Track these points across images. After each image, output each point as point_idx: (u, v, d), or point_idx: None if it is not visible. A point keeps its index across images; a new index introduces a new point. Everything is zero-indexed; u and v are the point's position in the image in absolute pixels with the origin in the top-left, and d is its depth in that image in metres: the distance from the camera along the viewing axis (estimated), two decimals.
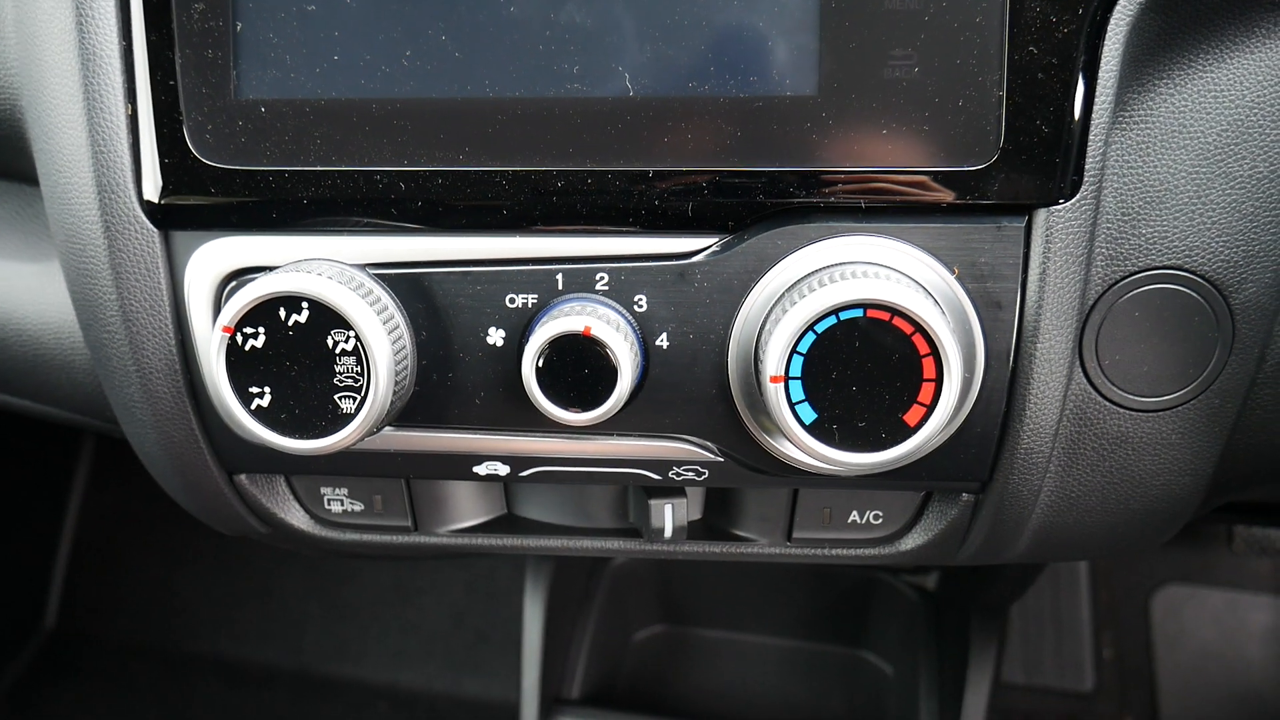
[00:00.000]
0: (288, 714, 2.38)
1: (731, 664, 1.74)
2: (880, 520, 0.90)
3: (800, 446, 0.74)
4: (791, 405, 0.73)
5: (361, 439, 0.77)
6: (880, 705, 1.65)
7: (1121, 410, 0.83)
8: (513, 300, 0.79)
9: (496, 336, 0.79)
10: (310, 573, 2.52)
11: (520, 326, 0.79)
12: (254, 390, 0.76)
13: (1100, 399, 0.82)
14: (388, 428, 0.83)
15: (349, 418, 0.76)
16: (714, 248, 0.77)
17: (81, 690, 2.43)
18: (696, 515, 0.94)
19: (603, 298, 0.78)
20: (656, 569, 1.70)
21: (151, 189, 0.79)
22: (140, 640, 2.49)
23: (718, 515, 0.94)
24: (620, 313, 0.77)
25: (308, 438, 0.76)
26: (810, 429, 0.74)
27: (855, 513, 0.89)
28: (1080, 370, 0.81)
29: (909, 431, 0.74)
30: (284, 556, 2.54)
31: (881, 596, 1.63)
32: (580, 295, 0.78)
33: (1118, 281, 0.79)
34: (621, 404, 0.76)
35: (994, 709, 2.23)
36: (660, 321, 0.78)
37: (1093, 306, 0.79)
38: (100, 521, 2.56)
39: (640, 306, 0.78)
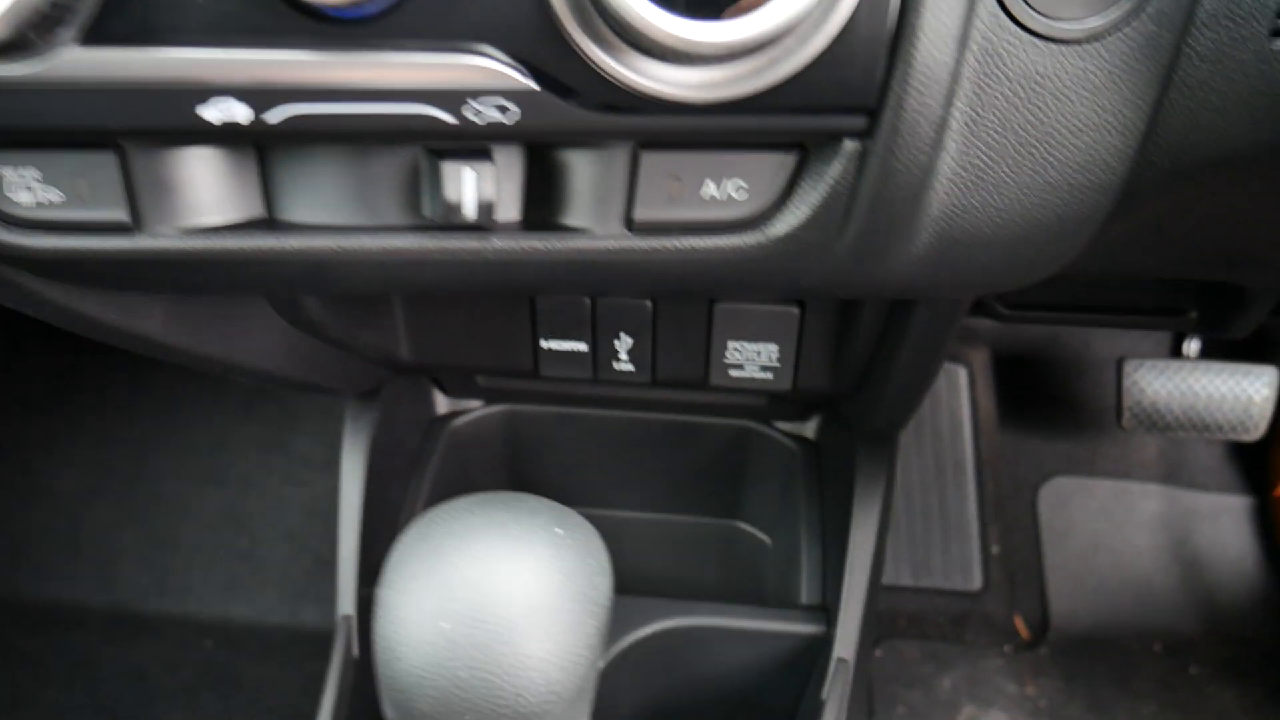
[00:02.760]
0: (98, 657, 2.08)
1: None
2: (744, 194, 0.70)
3: (632, 21, 0.55)
4: None
5: (10, 35, 0.54)
6: (759, 574, 1.48)
7: (1038, 41, 0.66)
8: None
9: None
10: (125, 502, 2.22)
11: None
12: None
13: (1012, 25, 0.66)
14: (73, 44, 0.60)
15: None
16: None
17: None
18: (514, 215, 0.72)
19: None
20: (503, 428, 1.48)
21: None
22: None
23: (541, 207, 0.73)
24: None
25: None
26: None
27: (710, 182, 0.69)
28: None
29: None
30: (94, 486, 2.24)
31: (757, 453, 1.45)
32: None
33: None
34: None
35: (880, 609, 2.08)
36: None
37: None
38: None
39: None
